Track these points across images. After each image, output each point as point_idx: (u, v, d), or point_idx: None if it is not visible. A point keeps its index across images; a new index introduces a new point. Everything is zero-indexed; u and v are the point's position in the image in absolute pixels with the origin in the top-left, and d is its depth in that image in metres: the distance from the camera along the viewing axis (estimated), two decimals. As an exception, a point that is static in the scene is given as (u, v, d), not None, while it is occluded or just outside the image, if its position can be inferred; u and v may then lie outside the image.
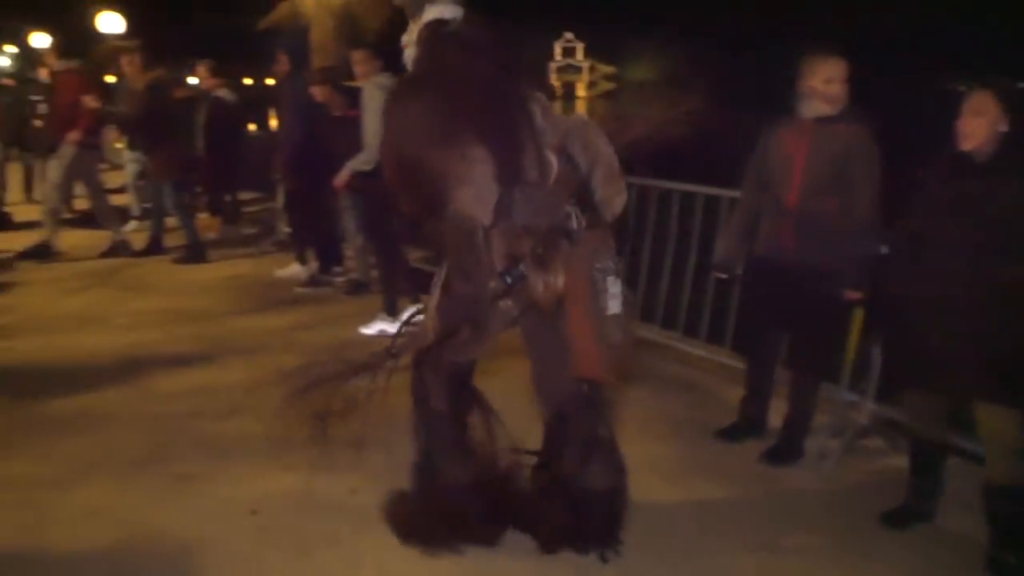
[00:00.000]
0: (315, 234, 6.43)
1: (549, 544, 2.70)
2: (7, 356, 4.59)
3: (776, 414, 3.67)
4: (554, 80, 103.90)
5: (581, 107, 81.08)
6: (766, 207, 3.44)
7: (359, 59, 5.10)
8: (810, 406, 3.55)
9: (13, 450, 3.43)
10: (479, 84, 2.39)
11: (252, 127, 9.74)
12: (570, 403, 2.59)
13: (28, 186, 9.80)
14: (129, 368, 4.39)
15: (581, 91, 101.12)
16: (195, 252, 6.98)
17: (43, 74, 9.00)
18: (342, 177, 5.17)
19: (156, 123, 6.66)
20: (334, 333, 5.15)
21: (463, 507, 2.69)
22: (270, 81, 15.59)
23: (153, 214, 7.27)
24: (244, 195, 9.21)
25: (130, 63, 8.12)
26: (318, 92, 5.61)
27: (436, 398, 2.68)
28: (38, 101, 8.82)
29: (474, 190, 2.37)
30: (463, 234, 2.39)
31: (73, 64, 6.96)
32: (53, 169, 6.89)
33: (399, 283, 5.31)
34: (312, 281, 6.29)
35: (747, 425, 3.73)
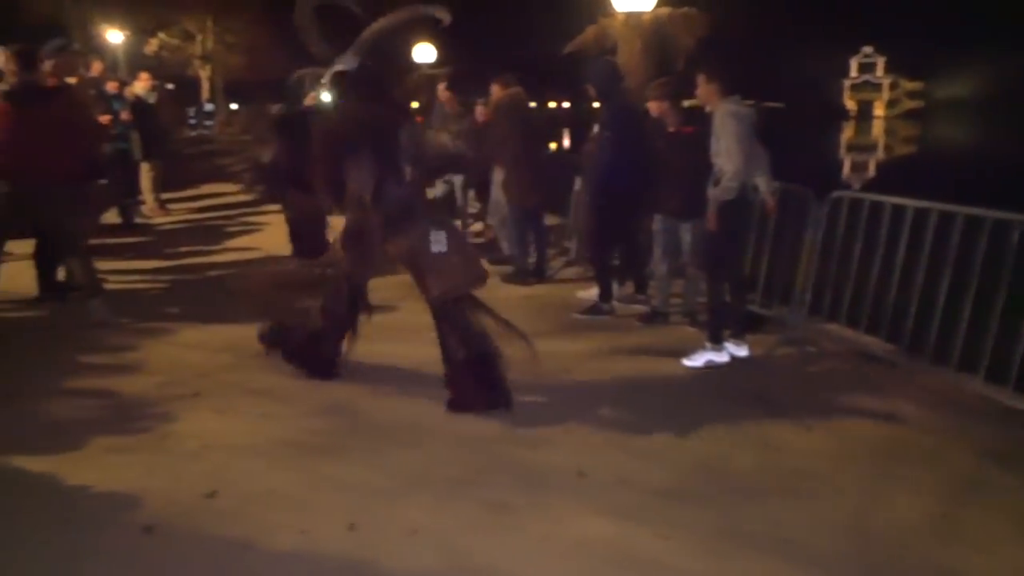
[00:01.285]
0: (618, 257, 6.29)
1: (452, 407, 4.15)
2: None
3: None
4: (848, 99, 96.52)
5: (878, 128, 74.34)
6: None
7: (700, 82, 4.86)
8: None
9: (351, 453, 3.64)
10: (359, 118, 4.13)
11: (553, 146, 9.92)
12: (437, 305, 4.19)
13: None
14: (442, 384, 4.52)
15: (879, 110, 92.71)
16: (526, 272, 7.11)
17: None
18: (712, 213, 4.85)
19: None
20: (633, 363, 4.95)
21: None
22: (566, 104, 16.19)
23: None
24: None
25: (443, 90, 8.75)
26: (655, 107, 5.48)
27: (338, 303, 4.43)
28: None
29: (359, 183, 4.11)
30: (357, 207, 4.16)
31: None
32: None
33: (728, 315, 5.03)
34: (593, 309, 6.13)
35: None
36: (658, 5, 8.02)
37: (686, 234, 5.53)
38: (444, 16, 4.14)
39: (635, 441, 3.82)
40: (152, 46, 32.16)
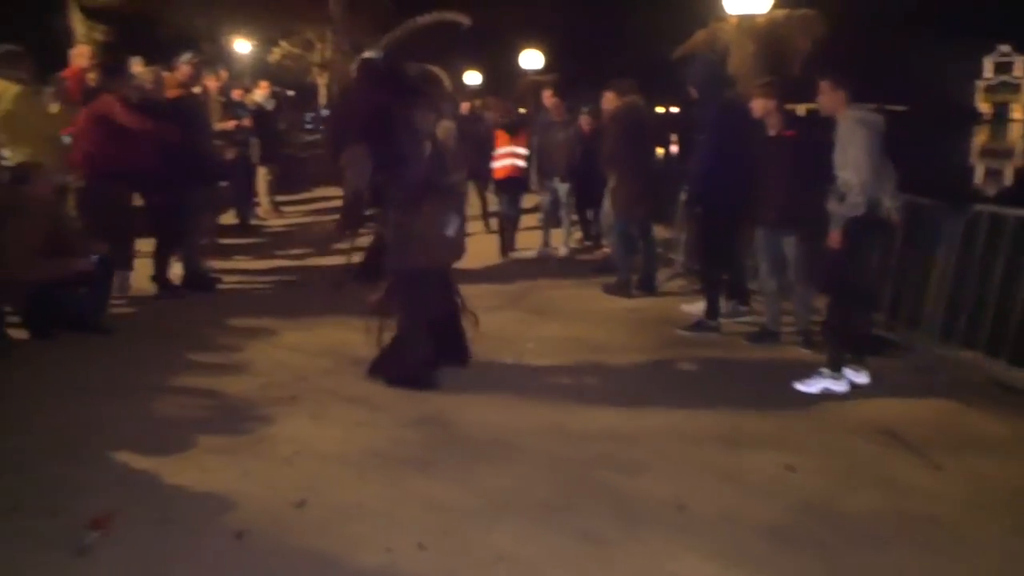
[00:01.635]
0: (727, 271, 5.98)
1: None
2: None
3: None
4: (981, 101, 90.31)
5: (1016, 132, 69.12)
6: None
7: (825, 88, 4.53)
8: None
9: (441, 469, 3.55)
10: (372, 102, 4.36)
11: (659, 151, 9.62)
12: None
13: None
14: (539, 399, 4.40)
15: (1018, 112, 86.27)
16: (630, 284, 6.89)
17: (464, 109, 9.99)
18: (836, 231, 4.49)
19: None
20: (740, 386, 4.67)
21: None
22: (674, 109, 15.79)
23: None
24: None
25: (548, 96, 8.67)
26: (759, 105, 5.17)
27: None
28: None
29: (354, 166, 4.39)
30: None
31: None
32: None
33: (849, 339, 4.66)
34: (699, 325, 5.83)
35: None
36: (773, 7, 7.65)
37: (790, 248, 5.19)
38: (464, 20, 4.64)
39: (741, 473, 3.56)
40: (275, 55, 33.64)
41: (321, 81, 38.00)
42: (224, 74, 10.12)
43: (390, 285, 4.57)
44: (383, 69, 4.45)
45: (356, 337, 5.30)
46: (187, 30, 18.58)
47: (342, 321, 5.57)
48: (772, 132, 5.18)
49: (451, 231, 4.50)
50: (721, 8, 8.19)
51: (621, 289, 6.83)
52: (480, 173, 9.64)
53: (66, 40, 11.29)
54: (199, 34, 19.97)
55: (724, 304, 5.98)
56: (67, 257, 5.05)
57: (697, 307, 6.04)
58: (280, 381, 4.61)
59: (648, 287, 6.89)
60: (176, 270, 6.56)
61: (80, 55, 7.82)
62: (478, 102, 13.06)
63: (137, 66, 7.83)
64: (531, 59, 21.57)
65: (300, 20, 32.22)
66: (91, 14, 11.29)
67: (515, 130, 8.26)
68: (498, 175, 8.35)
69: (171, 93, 6.30)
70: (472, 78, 26.21)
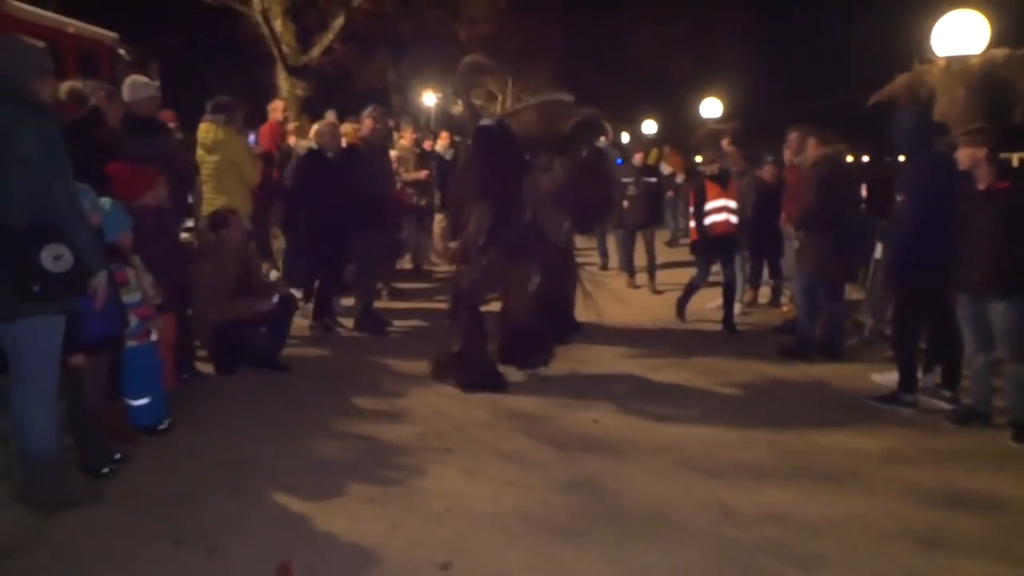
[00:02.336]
0: (925, 340, 5.33)
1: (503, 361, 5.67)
2: (594, 429, 4.70)
3: None
4: None
5: None
6: None
7: None
8: None
9: (592, 540, 3.32)
10: (493, 166, 5.29)
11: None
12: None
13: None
14: (702, 470, 4.06)
15: None
16: (810, 347, 6.40)
17: (637, 159, 9.76)
18: None
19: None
20: (942, 475, 4.06)
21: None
22: (864, 158, 14.69)
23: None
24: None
25: (727, 145, 8.28)
26: (967, 155, 4.62)
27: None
28: (629, 182, 9.45)
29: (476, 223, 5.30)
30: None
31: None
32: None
33: None
34: (892, 399, 5.19)
35: None
36: (991, 46, 6.86)
37: (999, 317, 4.53)
38: (567, 97, 5.64)
39: (941, 582, 3.04)
40: (458, 107, 35.37)
41: (501, 132, 39.54)
42: (408, 132, 10.66)
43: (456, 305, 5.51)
44: (497, 136, 5.29)
45: (515, 389, 5.24)
46: (379, 84, 19.91)
47: (503, 371, 5.54)
48: (982, 185, 4.59)
49: (532, 286, 5.71)
50: (926, 50, 7.49)
51: (800, 352, 6.29)
52: (648, 223, 9.42)
53: (272, 94, 12.42)
54: (390, 88, 21.34)
55: (923, 379, 5.31)
56: (251, 298, 5.37)
57: (890, 378, 5.40)
58: (437, 431, 4.59)
59: (832, 352, 6.30)
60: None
61: (275, 109, 8.53)
62: (654, 152, 12.86)
63: (330, 118, 8.41)
64: (711, 107, 21.08)
65: (486, 74, 33.73)
66: (293, 71, 12.33)
67: (726, 181, 7.44)
68: (713, 231, 7.27)
69: (347, 142, 6.68)
70: (649, 127, 26.02)
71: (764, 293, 8.53)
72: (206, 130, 6.07)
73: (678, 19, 31.61)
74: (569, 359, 6.11)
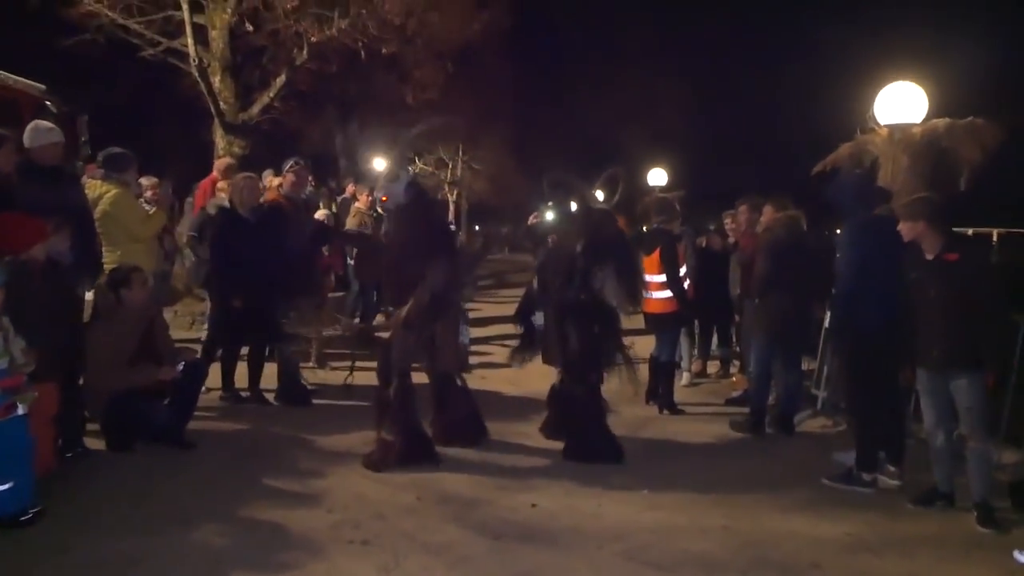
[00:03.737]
0: (884, 422, 5.02)
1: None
2: (532, 515, 4.23)
3: None
4: None
5: None
6: None
7: None
8: None
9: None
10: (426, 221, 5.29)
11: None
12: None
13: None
14: (652, 563, 3.63)
15: None
16: (763, 419, 6.06)
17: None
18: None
19: None
20: (911, 566, 3.71)
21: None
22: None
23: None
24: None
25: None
26: (907, 229, 4.44)
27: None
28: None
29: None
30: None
31: None
32: None
33: None
34: (850, 478, 4.87)
35: None
36: (934, 116, 6.90)
37: (961, 393, 4.27)
38: (457, 121, 6.88)
39: None
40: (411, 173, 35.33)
41: (450, 198, 39.57)
42: (364, 198, 10.32)
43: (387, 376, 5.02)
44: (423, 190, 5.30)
45: (447, 467, 4.78)
46: (327, 146, 19.59)
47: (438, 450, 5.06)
48: (929, 255, 4.40)
49: (465, 339, 5.78)
50: (868, 119, 7.51)
51: (753, 426, 5.96)
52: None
53: (211, 153, 12.00)
54: (338, 151, 21.04)
55: (849, 457, 5.03)
56: (152, 365, 4.83)
57: (851, 455, 5.09)
58: (355, 518, 4.06)
59: (785, 426, 5.99)
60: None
61: (219, 167, 8.16)
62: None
63: (269, 178, 8.00)
64: (657, 176, 21.33)
65: (435, 140, 33.89)
66: (231, 129, 11.94)
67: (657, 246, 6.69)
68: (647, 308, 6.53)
69: (268, 198, 6.27)
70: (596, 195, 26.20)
71: (713, 364, 8.24)
72: (90, 186, 5.65)
73: (626, 91, 32.50)
74: (507, 434, 5.66)
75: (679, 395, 6.88)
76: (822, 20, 34.01)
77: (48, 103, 9.81)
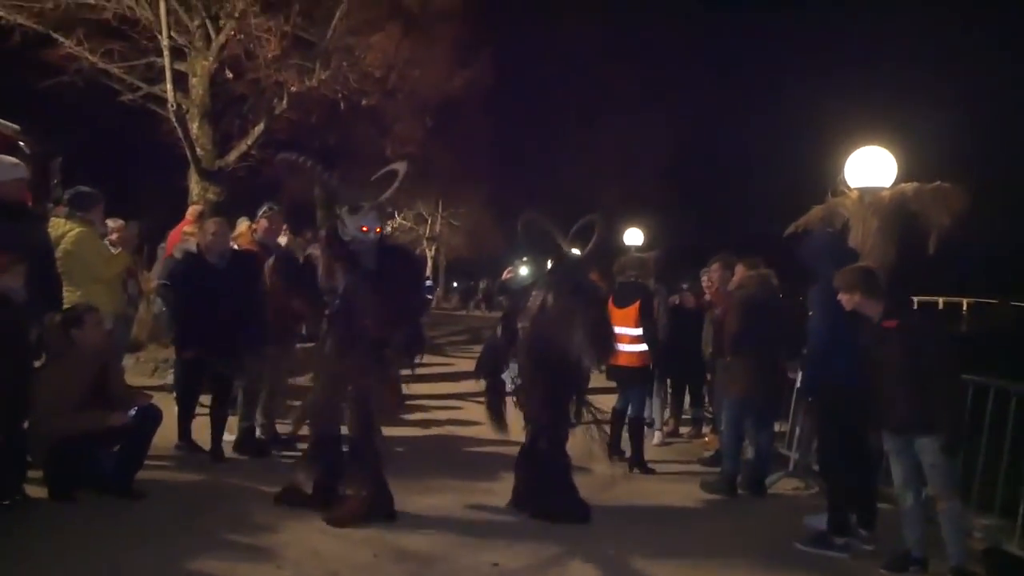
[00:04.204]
0: (855, 483, 4.94)
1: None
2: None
3: None
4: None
5: None
6: None
7: None
8: None
9: None
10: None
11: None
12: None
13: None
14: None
15: None
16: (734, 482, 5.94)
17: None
18: None
19: None
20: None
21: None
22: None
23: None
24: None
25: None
26: (845, 300, 4.54)
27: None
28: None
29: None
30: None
31: None
32: None
33: None
34: (823, 542, 4.75)
35: None
36: (902, 179, 6.97)
37: (926, 452, 4.24)
38: (401, 167, 5.09)
39: None
40: (389, 227, 35.41)
41: (428, 253, 39.63)
42: None
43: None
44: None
45: (407, 523, 4.60)
46: (307, 197, 19.53)
47: (397, 502, 4.84)
48: (874, 321, 4.44)
49: None
50: (839, 182, 7.60)
51: (725, 487, 5.82)
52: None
53: (186, 198, 11.87)
54: (318, 202, 21.00)
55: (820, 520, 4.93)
56: (101, 410, 4.62)
57: (823, 519, 4.97)
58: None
59: (757, 488, 5.87)
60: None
61: (191, 213, 8.07)
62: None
63: (242, 225, 7.90)
64: (633, 236, 21.52)
65: (414, 195, 34.08)
66: (207, 175, 11.86)
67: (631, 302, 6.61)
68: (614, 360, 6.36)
69: (242, 244, 6.16)
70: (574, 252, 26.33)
71: (686, 424, 8.13)
72: (54, 224, 5.52)
73: (603, 150, 33.02)
74: (472, 490, 5.48)
75: (650, 454, 6.73)
76: (794, 85, 35.12)
77: (21, 143, 9.75)
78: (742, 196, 32.82)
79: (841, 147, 7.58)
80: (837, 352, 4.80)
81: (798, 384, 6.34)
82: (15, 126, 10.11)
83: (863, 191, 7.29)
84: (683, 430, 8.03)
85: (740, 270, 6.32)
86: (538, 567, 4.16)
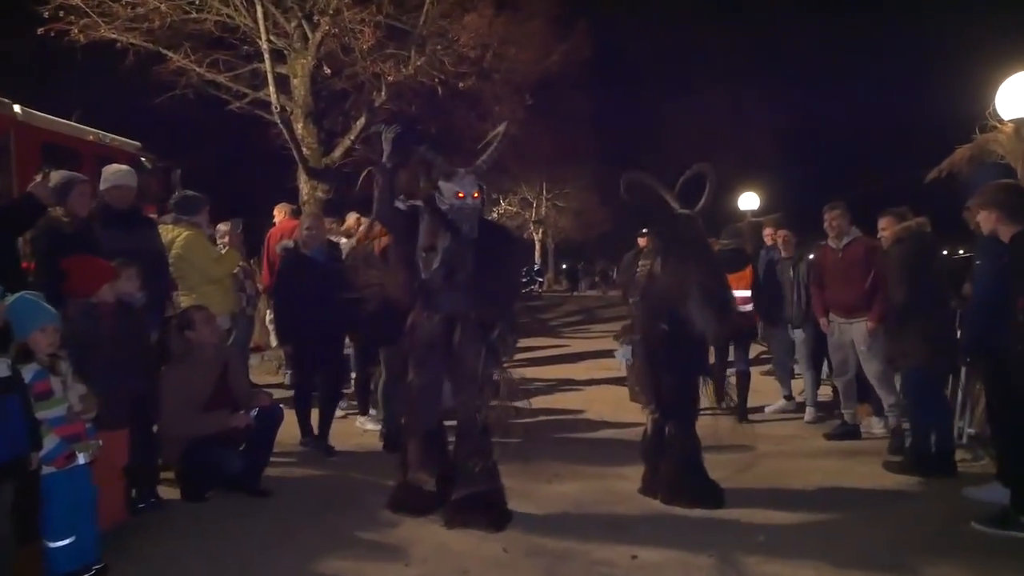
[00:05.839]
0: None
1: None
2: (633, 569, 3.74)
3: None
4: None
5: None
6: None
7: None
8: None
9: None
10: None
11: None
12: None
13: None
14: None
15: None
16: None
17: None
18: None
19: None
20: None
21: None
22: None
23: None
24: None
25: (771, 235, 7.59)
26: (983, 218, 3.95)
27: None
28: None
29: None
30: None
31: None
32: None
33: None
34: (1004, 521, 4.16)
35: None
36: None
37: None
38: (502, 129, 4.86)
39: None
40: (495, 214, 35.47)
41: (536, 237, 39.47)
42: None
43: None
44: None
45: (535, 516, 4.35)
46: (414, 187, 19.70)
47: (525, 492, 4.62)
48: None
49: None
50: (988, 117, 6.79)
51: (919, 467, 5.21)
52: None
53: (296, 198, 12.13)
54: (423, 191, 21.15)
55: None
56: (225, 411, 4.62)
57: (990, 491, 4.40)
58: (435, 573, 3.69)
59: (945, 467, 5.21)
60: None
61: (279, 211, 8.17)
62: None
63: (351, 219, 7.93)
64: (748, 200, 20.60)
65: (518, 179, 33.98)
66: (313, 173, 12.05)
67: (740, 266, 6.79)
68: None
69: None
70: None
71: (824, 391, 7.50)
72: (162, 231, 5.59)
73: (711, 114, 31.65)
74: (598, 476, 5.19)
75: (801, 431, 6.43)
76: (929, 10, 32.00)
77: (143, 159, 10.22)
78: (874, 145, 30.43)
79: (990, 76, 6.78)
80: (1004, 305, 4.17)
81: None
82: (136, 143, 10.63)
83: (1020, 123, 6.50)
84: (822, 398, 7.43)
85: (888, 221, 5.67)
86: (680, 560, 3.81)
